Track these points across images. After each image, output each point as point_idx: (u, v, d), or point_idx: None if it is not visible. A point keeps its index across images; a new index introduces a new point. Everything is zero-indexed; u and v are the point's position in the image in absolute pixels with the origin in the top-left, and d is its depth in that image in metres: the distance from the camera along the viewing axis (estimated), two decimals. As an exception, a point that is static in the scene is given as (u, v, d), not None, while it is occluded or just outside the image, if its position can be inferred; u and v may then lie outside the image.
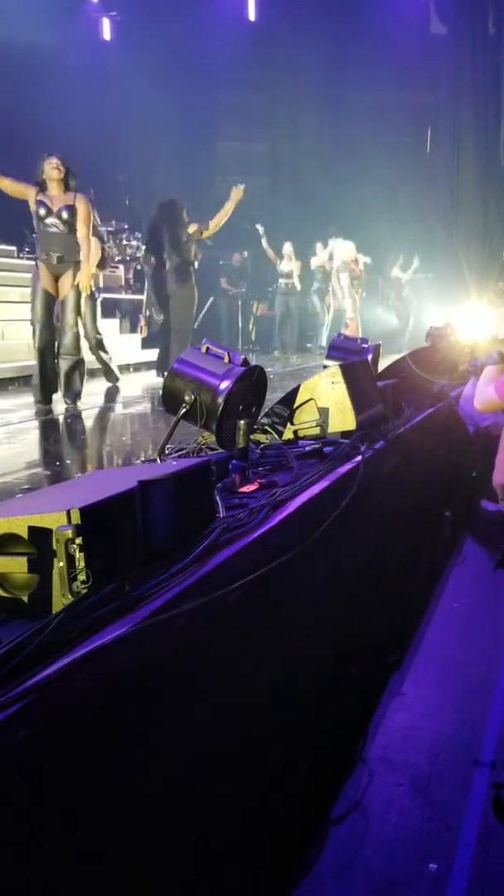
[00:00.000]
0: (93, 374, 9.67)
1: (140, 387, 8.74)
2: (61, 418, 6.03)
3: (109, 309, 11.18)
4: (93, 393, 8.07)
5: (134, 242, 12.40)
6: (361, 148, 15.84)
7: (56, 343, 6.55)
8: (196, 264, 8.88)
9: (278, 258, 13.49)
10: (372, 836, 2.69)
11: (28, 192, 6.36)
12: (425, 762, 3.11)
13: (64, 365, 6.55)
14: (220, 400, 3.35)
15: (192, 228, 8.63)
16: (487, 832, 2.72)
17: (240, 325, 13.89)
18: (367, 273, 13.27)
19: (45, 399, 6.57)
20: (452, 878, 2.52)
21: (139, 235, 12.12)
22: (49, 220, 6.31)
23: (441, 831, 2.73)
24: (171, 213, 8.60)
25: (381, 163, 15.82)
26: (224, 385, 3.36)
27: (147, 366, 10.11)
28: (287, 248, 13.48)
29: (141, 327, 10.93)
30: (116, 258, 12.42)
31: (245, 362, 3.55)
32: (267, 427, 4.05)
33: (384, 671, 3.73)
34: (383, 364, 6.14)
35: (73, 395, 6.60)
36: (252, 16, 16.56)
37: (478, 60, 16.22)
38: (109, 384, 8.01)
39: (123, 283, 12.10)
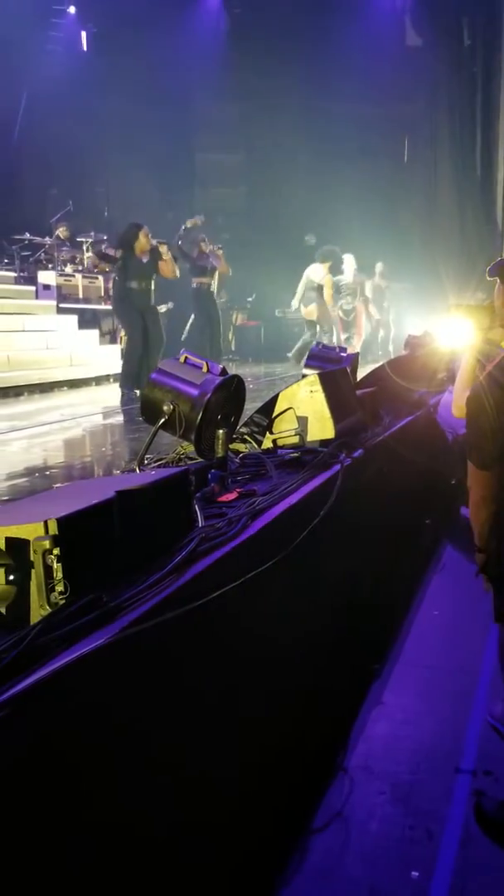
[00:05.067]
0: (74, 384, 9.68)
1: (120, 398, 8.72)
2: (39, 430, 6.00)
3: (89, 320, 11.17)
4: (72, 404, 8.06)
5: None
6: (339, 158, 15.94)
7: None
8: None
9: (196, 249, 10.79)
10: (353, 844, 2.68)
11: None
12: (406, 770, 3.11)
13: None
14: (199, 410, 3.35)
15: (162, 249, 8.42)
16: (469, 839, 2.72)
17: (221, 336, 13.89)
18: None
19: None
20: (434, 885, 2.52)
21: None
22: None
23: (422, 839, 2.73)
24: (130, 235, 8.52)
25: (359, 173, 15.92)
26: (202, 395, 3.37)
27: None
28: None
29: (120, 338, 10.93)
30: (95, 270, 12.41)
31: (223, 372, 3.55)
32: (246, 436, 4.05)
33: (365, 680, 3.73)
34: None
35: None
36: (228, 27, 16.65)
37: (453, 72, 16.41)
38: None
39: (103, 294, 12.08)
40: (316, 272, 11.54)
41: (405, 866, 2.60)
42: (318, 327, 11.82)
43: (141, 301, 8.35)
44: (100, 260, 9.40)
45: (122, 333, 10.55)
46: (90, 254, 12.51)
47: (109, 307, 11.80)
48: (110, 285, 12.10)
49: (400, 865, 2.60)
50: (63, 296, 11.27)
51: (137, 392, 7.82)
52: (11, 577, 1.84)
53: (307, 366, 4.88)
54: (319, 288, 11.57)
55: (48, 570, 1.78)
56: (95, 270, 11.26)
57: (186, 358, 3.52)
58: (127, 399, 7.96)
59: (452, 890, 2.50)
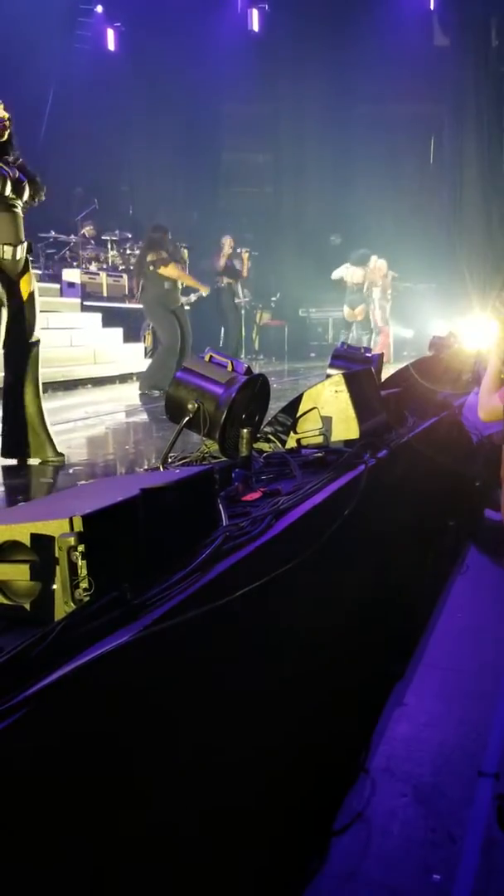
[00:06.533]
0: (98, 382, 9.71)
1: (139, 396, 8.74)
2: (63, 427, 6.02)
3: (114, 318, 11.21)
4: (96, 401, 8.08)
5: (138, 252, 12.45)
6: (365, 159, 15.90)
7: None
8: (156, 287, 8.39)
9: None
10: (374, 847, 2.67)
11: None
12: (428, 773, 3.09)
13: None
14: (223, 409, 3.35)
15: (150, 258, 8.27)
16: (491, 843, 2.70)
17: (243, 334, 13.87)
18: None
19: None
20: (456, 889, 2.50)
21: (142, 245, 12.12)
22: None
23: (444, 842, 2.71)
24: (149, 237, 8.55)
25: (385, 174, 15.87)
26: (227, 394, 3.36)
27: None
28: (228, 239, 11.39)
29: (145, 336, 10.96)
30: (120, 268, 12.44)
31: (248, 371, 3.55)
32: (270, 436, 4.05)
33: (387, 681, 3.71)
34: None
35: None
36: (256, 27, 16.63)
37: (480, 72, 16.26)
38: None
39: (127, 293, 12.12)
40: (354, 274, 12.18)
41: (426, 869, 2.58)
42: (355, 327, 12.20)
43: (174, 301, 8.37)
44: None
45: (148, 332, 10.59)
46: (114, 252, 12.57)
47: (133, 305, 11.85)
48: (134, 284, 12.16)
49: (421, 869, 2.58)
50: (87, 294, 11.31)
51: (156, 392, 7.83)
52: (36, 574, 1.84)
53: (332, 366, 4.87)
54: (361, 289, 12.14)
55: (73, 566, 1.78)
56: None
57: (212, 356, 3.52)
58: (147, 399, 7.95)
59: (474, 894, 2.48)
